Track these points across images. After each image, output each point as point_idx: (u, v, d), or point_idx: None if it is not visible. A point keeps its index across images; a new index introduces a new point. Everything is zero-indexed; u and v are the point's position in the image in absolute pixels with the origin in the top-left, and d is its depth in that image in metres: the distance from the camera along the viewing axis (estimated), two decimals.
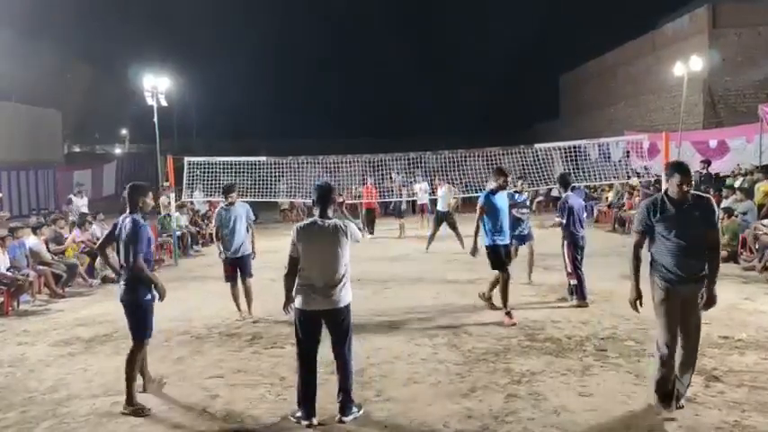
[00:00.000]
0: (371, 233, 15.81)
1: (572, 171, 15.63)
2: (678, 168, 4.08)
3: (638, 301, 4.22)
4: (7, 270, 8.58)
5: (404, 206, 16.82)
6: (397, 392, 4.78)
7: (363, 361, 5.56)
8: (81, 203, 15.89)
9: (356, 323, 6.92)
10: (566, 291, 7.83)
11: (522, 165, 15.97)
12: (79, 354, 6.17)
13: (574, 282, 7.53)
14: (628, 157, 17.90)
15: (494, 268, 6.91)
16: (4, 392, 5.09)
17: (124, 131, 43.46)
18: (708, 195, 4.22)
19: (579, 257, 7.55)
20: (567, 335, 6.19)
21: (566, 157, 15.96)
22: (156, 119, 14.90)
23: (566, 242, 7.61)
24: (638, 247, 4.21)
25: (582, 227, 7.66)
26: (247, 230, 7.34)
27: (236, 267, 7.27)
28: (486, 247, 6.86)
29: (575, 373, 5.06)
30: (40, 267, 9.27)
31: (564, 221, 7.51)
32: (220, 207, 7.44)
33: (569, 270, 7.57)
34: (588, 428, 4.05)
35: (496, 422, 4.17)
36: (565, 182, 7.90)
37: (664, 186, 10.78)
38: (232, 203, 7.28)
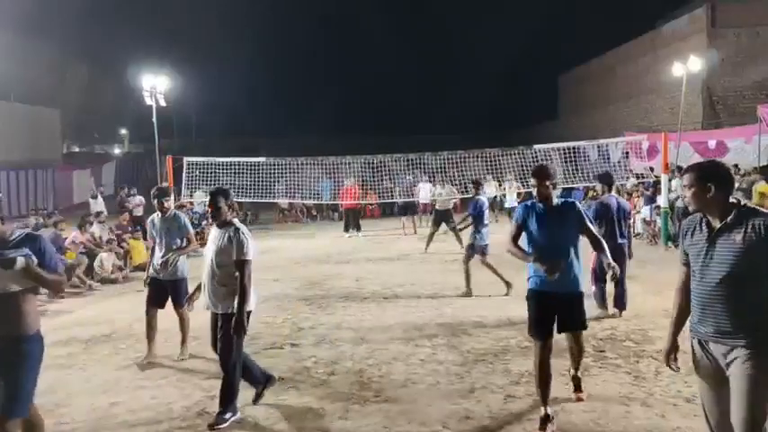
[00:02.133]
0: (357, 231, 16.03)
1: (571, 172, 15.73)
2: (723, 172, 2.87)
3: (671, 356, 3.04)
4: None
5: (419, 206, 17.12)
6: (396, 393, 4.77)
7: (362, 362, 5.56)
8: (98, 202, 15.95)
9: (355, 323, 6.96)
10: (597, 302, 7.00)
11: (522, 165, 16.01)
12: (77, 354, 6.17)
13: (593, 288, 6.83)
14: (627, 157, 17.91)
15: (528, 332, 4.46)
16: None
17: (123, 131, 43.51)
18: (763, 210, 2.75)
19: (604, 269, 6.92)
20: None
21: (565, 157, 15.99)
22: (155, 118, 14.92)
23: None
24: (683, 286, 3.01)
25: (621, 235, 6.77)
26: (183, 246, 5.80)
27: (163, 293, 5.78)
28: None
29: None
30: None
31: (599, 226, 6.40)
32: (153, 216, 6.06)
33: (590, 276, 6.74)
34: (587, 429, 4.05)
35: (495, 423, 4.18)
36: (608, 181, 7.03)
37: (664, 189, 10.12)
38: (166, 211, 5.83)
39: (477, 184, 8.91)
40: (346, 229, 16.06)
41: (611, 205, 6.76)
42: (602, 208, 6.78)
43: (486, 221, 8.46)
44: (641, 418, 4.19)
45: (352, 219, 16.19)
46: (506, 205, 15.79)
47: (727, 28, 19.78)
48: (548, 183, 4.13)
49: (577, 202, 4.33)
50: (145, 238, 12.54)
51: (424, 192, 16.37)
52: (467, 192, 16.63)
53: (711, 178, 2.78)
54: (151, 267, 5.81)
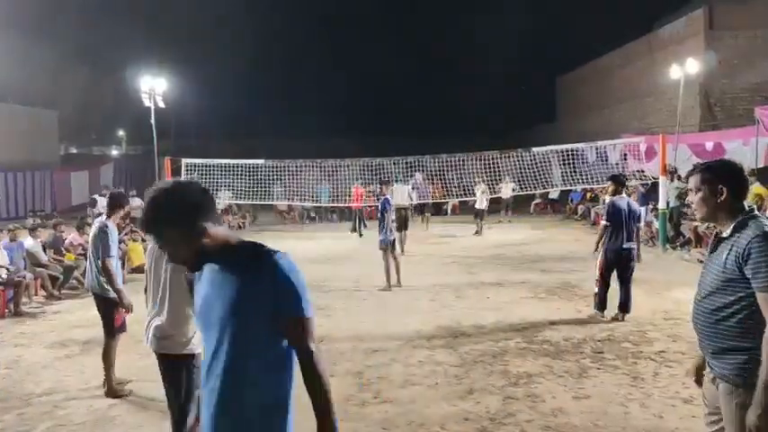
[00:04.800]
0: (358, 232, 16.36)
1: (569, 174, 15.78)
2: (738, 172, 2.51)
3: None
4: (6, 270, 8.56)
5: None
6: (395, 394, 4.78)
7: (361, 363, 5.57)
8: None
9: (354, 324, 6.96)
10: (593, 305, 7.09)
11: (521, 168, 16.07)
12: (76, 356, 6.17)
13: (596, 289, 6.94)
14: (625, 159, 17.94)
15: None
16: (1, 395, 5.07)
17: (121, 133, 43.48)
18: (757, 223, 2.31)
19: (610, 269, 6.79)
20: (565, 337, 6.20)
21: (563, 159, 16.03)
22: (153, 120, 14.89)
23: (603, 249, 6.83)
24: None
25: (630, 239, 6.74)
26: None
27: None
28: None
29: (572, 375, 5.07)
30: (37, 269, 9.25)
31: (607, 223, 6.73)
32: (102, 226, 4.98)
33: (596, 276, 6.93)
34: (585, 430, 4.06)
35: (493, 424, 4.18)
36: (620, 181, 7.01)
37: (662, 191, 10.02)
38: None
39: (386, 183, 9.39)
40: (354, 230, 16.59)
41: (622, 208, 6.72)
42: (613, 209, 6.73)
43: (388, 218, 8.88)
44: (639, 418, 4.20)
45: (359, 219, 16.65)
46: (477, 206, 15.98)
47: (725, 30, 19.78)
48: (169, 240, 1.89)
49: (285, 261, 1.85)
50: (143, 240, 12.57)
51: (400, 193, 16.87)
52: (466, 194, 16.75)
53: (724, 180, 2.41)
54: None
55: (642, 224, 13.70)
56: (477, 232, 15.52)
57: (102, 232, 4.92)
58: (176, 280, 3.30)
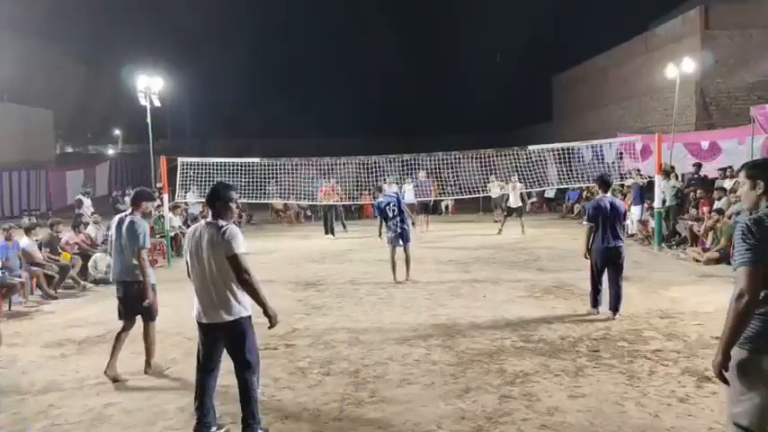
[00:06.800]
0: (332, 233, 16.26)
1: (565, 173, 15.79)
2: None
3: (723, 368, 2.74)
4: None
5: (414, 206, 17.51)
6: (391, 393, 4.78)
7: (357, 362, 5.57)
8: (86, 204, 15.96)
9: (350, 324, 6.95)
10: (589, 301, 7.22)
11: (516, 167, 16.06)
12: (71, 355, 6.14)
13: (590, 288, 7.07)
14: (621, 158, 17.97)
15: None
16: None
17: (117, 132, 43.42)
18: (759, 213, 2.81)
19: (601, 268, 6.89)
20: (561, 335, 6.21)
21: (559, 158, 16.03)
22: (149, 119, 14.85)
23: (592, 248, 6.96)
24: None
25: (616, 237, 6.82)
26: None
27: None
28: None
29: (568, 374, 5.08)
30: (33, 268, 9.22)
31: (590, 224, 6.85)
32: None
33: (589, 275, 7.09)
34: (581, 429, 4.06)
35: (490, 423, 4.18)
36: (604, 183, 7.09)
37: (657, 191, 10.12)
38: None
39: (379, 189, 10.23)
40: (326, 231, 16.22)
41: (603, 206, 6.82)
42: (592, 210, 6.89)
43: (390, 216, 9.33)
44: (635, 417, 4.21)
45: (330, 219, 16.36)
46: (512, 205, 15.81)
47: (721, 30, 19.81)
48: None
49: None
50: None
51: (408, 192, 16.76)
52: (462, 193, 16.75)
53: (763, 175, 2.86)
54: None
55: (633, 222, 13.89)
56: (522, 231, 15.10)
57: (134, 223, 5.32)
58: (217, 257, 3.87)
